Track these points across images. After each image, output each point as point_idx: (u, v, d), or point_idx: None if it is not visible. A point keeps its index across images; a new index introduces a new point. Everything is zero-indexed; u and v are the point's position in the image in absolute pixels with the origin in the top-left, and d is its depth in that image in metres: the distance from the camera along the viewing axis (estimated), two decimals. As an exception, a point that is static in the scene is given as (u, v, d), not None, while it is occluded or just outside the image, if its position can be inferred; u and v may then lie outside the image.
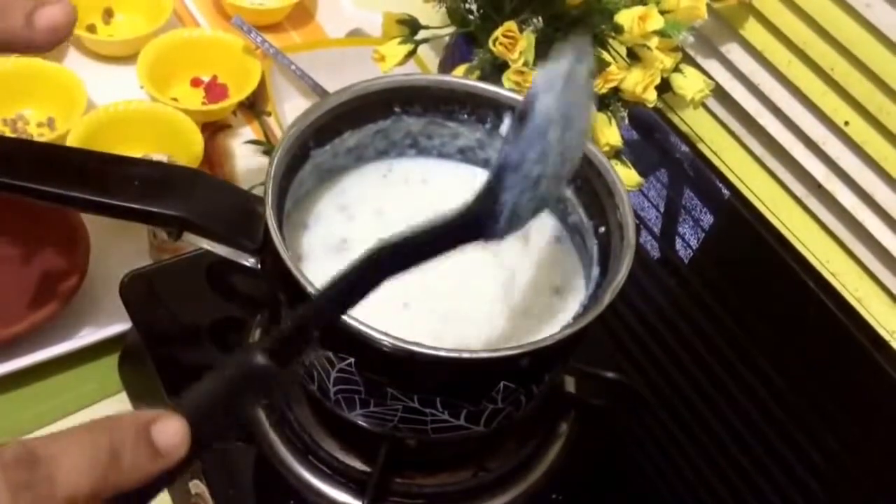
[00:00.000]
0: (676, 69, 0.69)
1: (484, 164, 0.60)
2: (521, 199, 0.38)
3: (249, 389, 0.35)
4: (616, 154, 0.71)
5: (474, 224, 0.38)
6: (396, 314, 0.51)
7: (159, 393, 0.61)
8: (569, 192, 0.56)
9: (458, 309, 0.52)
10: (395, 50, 0.72)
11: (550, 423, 0.62)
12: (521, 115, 0.37)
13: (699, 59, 0.74)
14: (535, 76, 0.38)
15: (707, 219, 0.75)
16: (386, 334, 0.43)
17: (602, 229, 0.54)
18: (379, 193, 0.58)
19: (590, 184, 0.55)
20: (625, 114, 0.71)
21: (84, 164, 0.53)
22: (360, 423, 0.51)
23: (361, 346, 0.44)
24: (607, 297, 0.48)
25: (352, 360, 0.46)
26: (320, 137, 0.54)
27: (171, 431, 0.30)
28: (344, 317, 0.42)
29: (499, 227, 0.38)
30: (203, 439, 0.31)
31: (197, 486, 0.58)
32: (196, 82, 0.95)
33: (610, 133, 0.69)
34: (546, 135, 0.37)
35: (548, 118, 0.36)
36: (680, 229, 0.77)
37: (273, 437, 0.57)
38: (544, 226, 0.58)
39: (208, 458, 0.58)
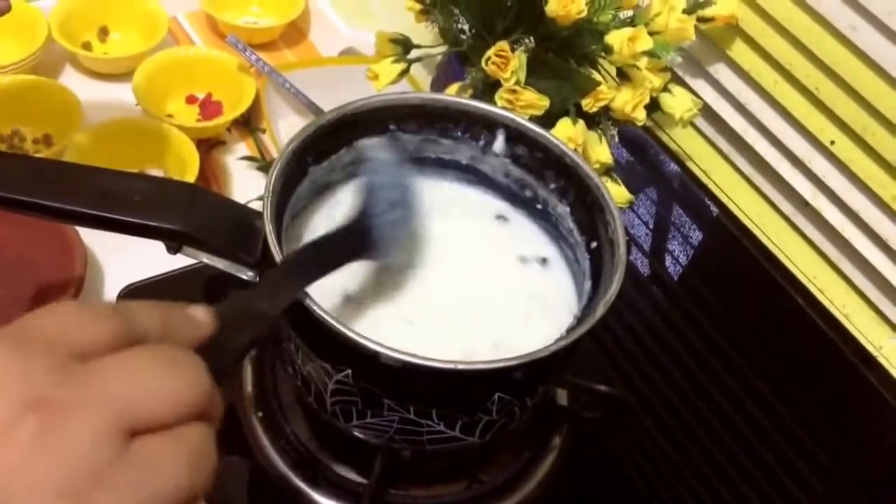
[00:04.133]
0: (665, 89, 0.70)
1: (476, 179, 0.61)
2: (383, 220, 0.49)
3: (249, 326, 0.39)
4: (607, 171, 0.72)
5: (359, 231, 0.48)
6: (402, 330, 0.52)
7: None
8: (561, 208, 0.57)
9: (458, 324, 0.53)
10: (389, 68, 0.73)
11: (543, 435, 0.62)
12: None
13: (687, 79, 0.76)
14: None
15: (696, 235, 0.76)
16: (382, 345, 0.44)
17: (594, 245, 0.55)
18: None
19: (582, 200, 0.56)
20: (615, 132, 0.72)
21: (82, 179, 0.54)
22: (356, 434, 0.52)
23: (359, 357, 0.44)
24: (599, 311, 0.48)
25: (349, 371, 0.47)
26: (318, 154, 0.55)
27: (201, 309, 0.35)
28: (342, 328, 0.43)
29: (373, 244, 0.49)
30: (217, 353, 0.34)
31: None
32: (191, 99, 0.95)
33: (600, 151, 0.70)
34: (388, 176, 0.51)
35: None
36: (669, 246, 0.78)
37: (269, 448, 0.58)
38: (538, 240, 0.59)
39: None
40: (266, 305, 0.40)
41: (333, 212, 0.58)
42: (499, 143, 0.59)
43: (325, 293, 0.49)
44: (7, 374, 0.27)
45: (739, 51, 0.71)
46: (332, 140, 0.55)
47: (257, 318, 0.39)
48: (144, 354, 0.29)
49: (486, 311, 0.55)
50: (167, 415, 0.28)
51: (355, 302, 0.52)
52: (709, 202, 0.74)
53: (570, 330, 0.51)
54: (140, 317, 0.31)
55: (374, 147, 0.56)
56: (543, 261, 0.58)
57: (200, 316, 0.34)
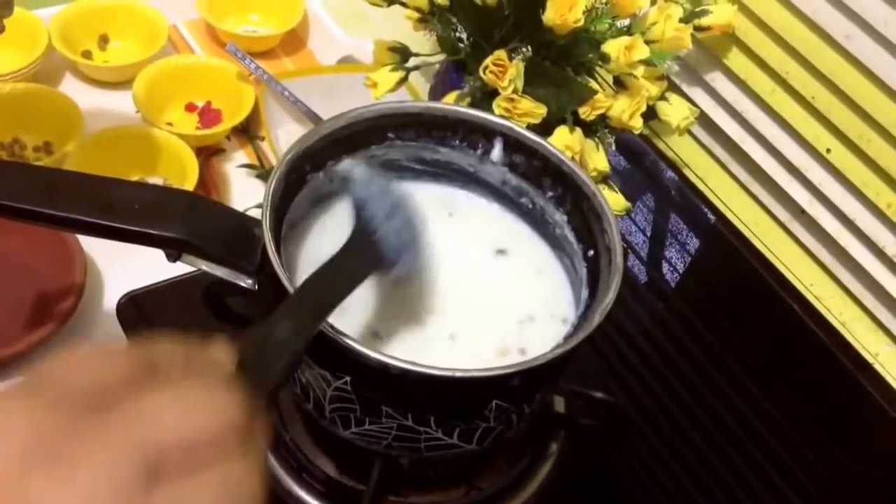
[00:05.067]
0: (662, 97, 0.71)
1: (475, 187, 0.61)
2: (386, 229, 0.48)
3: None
4: (604, 179, 0.72)
5: (364, 246, 0.47)
6: (402, 339, 0.52)
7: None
8: (559, 216, 0.58)
9: (456, 331, 0.54)
10: (387, 77, 0.74)
11: (541, 442, 0.63)
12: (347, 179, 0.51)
13: (684, 87, 0.76)
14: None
15: (693, 243, 0.76)
16: (381, 353, 0.44)
17: (591, 252, 0.55)
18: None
19: (579, 208, 0.56)
20: (612, 140, 0.73)
21: (82, 188, 0.54)
22: (354, 441, 0.52)
23: (357, 364, 0.45)
24: (596, 319, 0.49)
25: (348, 378, 0.47)
26: (316, 162, 0.55)
27: (222, 346, 0.33)
28: (341, 337, 0.44)
29: (383, 256, 0.48)
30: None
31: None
32: (190, 107, 0.96)
33: (598, 159, 0.71)
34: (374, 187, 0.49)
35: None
36: (666, 253, 0.78)
37: (268, 456, 0.58)
38: (537, 248, 0.60)
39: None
40: (290, 336, 0.38)
41: (332, 221, 0.58)
42: (496, 152, 0.59)
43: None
44: (14, 429, 0.25)
45: (736, 59, 0.71)
46: (330, 149, 0.56)
47: (283, 350, 0.37)
48: (166, 391, 0.28)
49: (483, 318, 0.55)
50: (195, 450, 0.27)
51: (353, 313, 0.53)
52: (706, 210, 0.75)
53: (568, 337, 0.51)
54: (160, 354, 0.30)
55: (351, 165, 0.54)
56: (540, 269, 0.59)
57: (221, 355, 0.33)
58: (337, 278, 0.44)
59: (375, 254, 0.47)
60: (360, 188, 0.48)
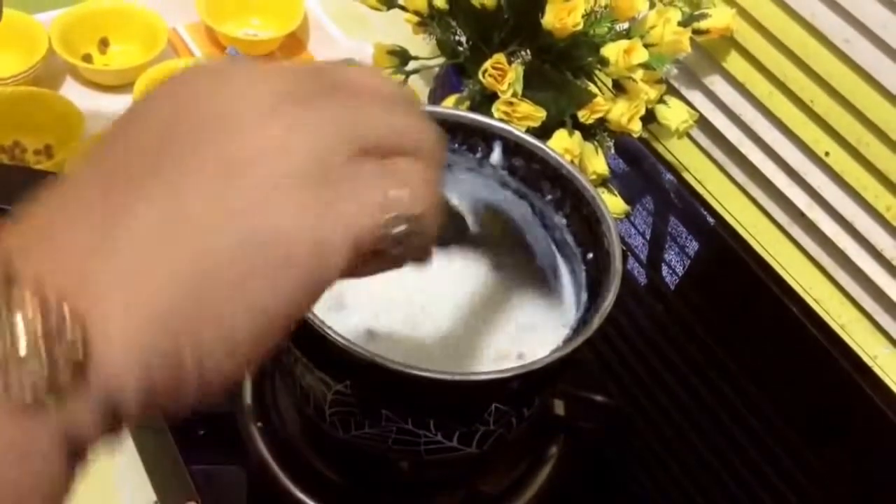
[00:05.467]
0: (661, 100, 0.71)
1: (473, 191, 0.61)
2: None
3: None
4: (603, 182, 0.72)
5: None
6: (403, 341, 0.52)
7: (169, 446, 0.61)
8: (558, 220, 0.58)
9: (454, 335, 0.54)
10: (387, 80, 0.74)
11: (540, 445, 0.63)
12: None
13: (683, 91, 0.76)
14: None
15: (692, 246, 0.76)
16: (381, 357, 0.44)
17: (590, 256, 0.55)
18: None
19: (578, 211, 0.56)
20: (611, 143, 0.73)
21: None
22: (354, 445, 0.52)
23: (357, 368, 0.45)
24: (596, 322, 0.49)
25: (348, 381, 0.47)
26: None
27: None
28: (341, 340, 0.44)
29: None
30: None
31: (191, 509, 0.59)
32: (190, 111, 0.96)
33: (597, 162, 0.71)
34: None
35: None
36: (666, 256, 0.78)
37: (267, 458, 0.58)
38: (534, 252, 0.60)
39: (201, 480, 0.59)
40: None
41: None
42: (496, 155, 0.59)
43: (323, 306, 0.49)
44: (271, 71, 0.28)
45: (735, 63, 0.71)
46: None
47: None
48: (391, 88, 0.31)
49: (483, 322, 0.55)
50: (402, 142, 0.29)
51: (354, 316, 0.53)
52: (705, 213, 0.75)
53: (567, 341, 0.51)
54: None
55: None
56: (543, 271, 0.59)
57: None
58: None
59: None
60: None
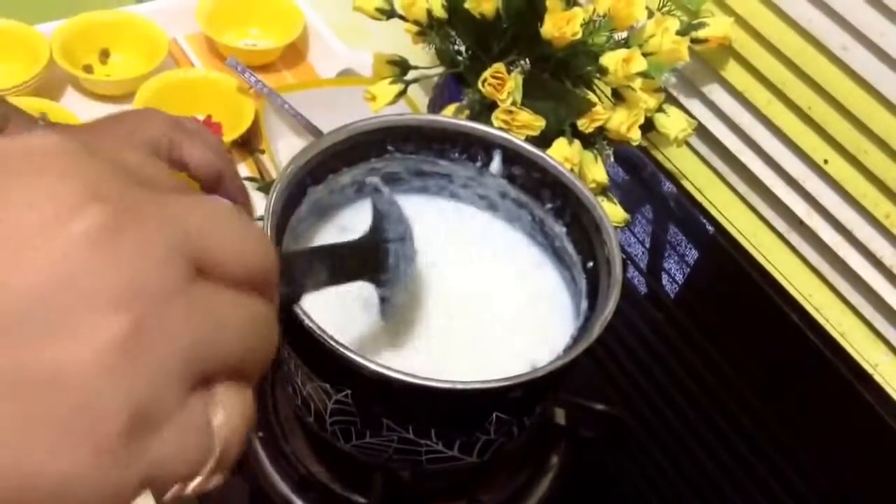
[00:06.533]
0: (660, 109, 0.71)
1: (473, 201, 0.61)
2: (395, 248, 0.49)
3: None
4: (602, 191, 0.72)
5: (369, 252, 0.48)
6: (406, 351, 0.52)
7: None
8: (559, 228, 0.58)
9: (456, 345, 0.54)
10: (386, 90, 0.74)
11: (541, 454, 0.63)
12: (376, 189, 0.52)
13: (682, 99, 0.76)
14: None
15: (692, 254, 0.76)
16: (382, 366, 0.44)
17: (590, 264, 0.55)
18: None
19: (578, 220, 0.56)
20: (610, 152, 0.73)
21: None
22: (355, 454, 0.52)
23: (357, 377, 0.45)
24: (596, 331, 0.49)
25: (348, 391, 0.47)
26: (317, 175, 0.55)
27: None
28: (341, 349, 0.44)
29: (384, 267, 0.49)
30: None
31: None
32: (191, 121, 0.96)
33: (596, 170, 0.71)
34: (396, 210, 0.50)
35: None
36: (665, 264, 0.78)
37: (269, 469, 0.58)
38: (535, 260, 0.60)
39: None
40: (284, 289, 0.35)
41: (332, 233, 0.58)
42: (496, 164, 0.59)
43: (323, 312, 0.49)
44: (73, 162, 0.22)
45: (733, 71, 0.72)
46: (330, 162, 0.56)
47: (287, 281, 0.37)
48: (221, 203, 0.25)
49: (484, 331, 0.55)
50: (236, 267, 0.24)
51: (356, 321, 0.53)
52: (704, 221, 0.75)
53: (567, 349, 0.51)
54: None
55: (380, 182, 0.55)
56: (540, 281, 0.59)
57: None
58: (337, 262, 0.44)
59: (378, 259, 0.48)
60: (385, 203, 0.50)
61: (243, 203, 0.66)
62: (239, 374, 0.24)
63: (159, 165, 0.26)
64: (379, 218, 0.49)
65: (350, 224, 0.58)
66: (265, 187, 0.91)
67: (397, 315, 0.52)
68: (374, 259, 0.48)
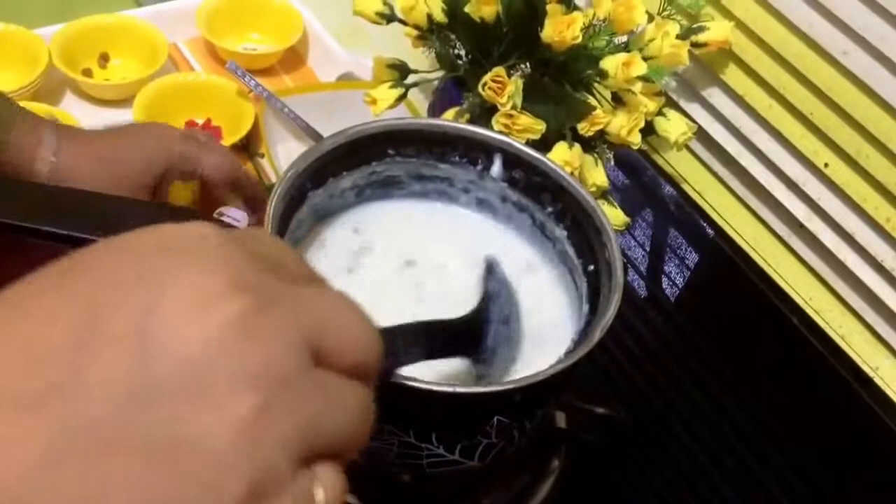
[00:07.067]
0: (660, 113, 0.71)
1: (474, 204, 0.61)
2: (497, 329, 0.48)
3: None
4: (603, 194, 0.72)
5: (468, 331, 0.47)
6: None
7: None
8: (559, 232, 0.58)
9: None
10: (386, 93, 0.74)
11: (543, 458, 0.63)
12: (490, 268, 0.50)
13: (682, 103, 0.76)
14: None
15: (692, 257, 0.76)
16: (383, 370, 0.44)
17: (591, 268, 0.55)
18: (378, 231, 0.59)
19: (579, 223, 0.56)
20: (610, 155, 0.73)
21: (86, 205, 0.54)
22: (355, 458, 0.52)
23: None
24: (597, 334, 0.49)
25: (349, 395, 0.47)
26: (317, 179, 0.55)
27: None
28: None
29: (482, 347, 0.48)
30: None
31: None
32: (191, 125, 0.96)
33: (597, 174, 0.71)
34: (505, 291, 0.50)
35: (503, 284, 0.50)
36: (666, 268, 0.78)
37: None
38: (535, 263, 0.60)
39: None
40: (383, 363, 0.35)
41: (332, 237, 0.58)
42: (496, 168, 0.59)
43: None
44: (220, 255, 0.26)
45: (733, 75, 0.72)
46: (330, 165, 0.56)
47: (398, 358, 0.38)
48: (341, 296, 0.29)
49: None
50: (348, 356, 0.27)
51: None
52: (704, 224, 0.75)
53: (568, 353, 0.51)
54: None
55: (493, 257, 0.52)
56: (541, 285, 0.59)
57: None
58: (437, 341, 0.43)
59: (475, 340, 0.47)
60: (496, 283, 0.49)
61: (263, 200, 0.68)
62: (339, 454, 0.27)
63: (290, 254, 0.29)
64: (486, 298, 0.48)
65: (361, 227, 0.58)
66: (265, 191, 0.91)
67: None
68: (471, 338, 0.47)
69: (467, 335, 0.47)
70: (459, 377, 0.49)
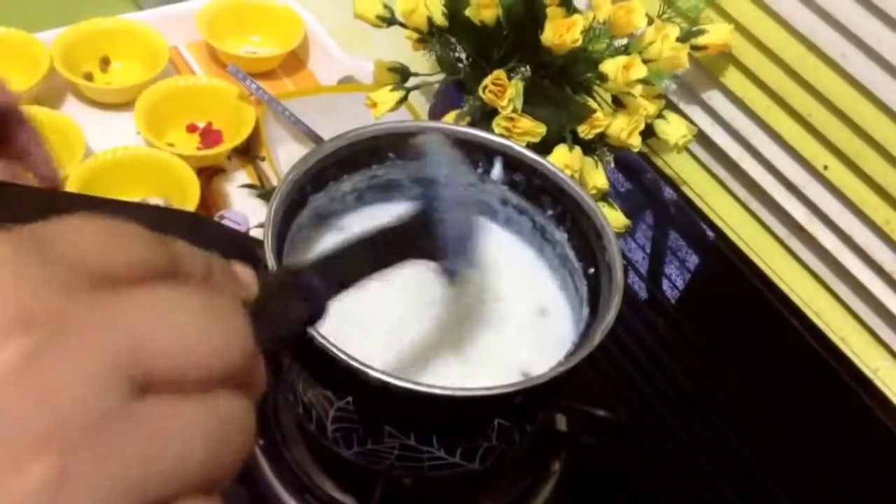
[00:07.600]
0: (660, 115, 0.71)
1: (475, 206, 0.61)
2: (452, 218, 0.43)
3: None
4: (603, 197, 0.72)
5: (418, 228, 0.42)
6: (409, 356, 0.52)
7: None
8: (559, 235, 0.58)
9: (457, 352, 0.54)
10: (387, 96, 0.74)
11: (543, 461, 0.63)
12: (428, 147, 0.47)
13: (682, 106, 0.76)
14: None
15: (692, 260, 0.76)
16: (384, 373, 0.44)
17: (591, 270, 0.55)
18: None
19: (579, 226, 0.56)
20: (611, 158, 0.73)
21: (84, 209, 0.54)
22: (357, 461, 0.52)
23: (359, 384, 0.45)
24: (597, 337, 0.49)
25: (350, 398, 0.47)
26: (317, 182, 0.55)
27: (246, 269, 0.29)
28: (342, 356, 0.44)
29: (438, 242, 0.43)
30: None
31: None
32: (192, 128, 0.96)
33: (597, 177, 0.71)
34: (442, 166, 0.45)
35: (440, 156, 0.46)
36: (666, 270, 0.79)
37: (270, 476, 0.58)
38: (536, 266, 0.60)
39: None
40: (317, 283, 0.32)
41: (335, 240, 0.58)
42: (496, 171, 0.59)
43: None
44: (8, 274, 0.21)
45: (733, 78, 0.72)
46: (331, 169, 0.56)
47: (308, 294, 0.32)
48: (179, 291, 0.23)
49: (487, 337, 0.55)
50: (194, 369, 0.22)
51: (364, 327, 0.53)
52: (705, 227, 0.75)
53: (569, 356, 0.51)
54: (184, 256, 0.25)
55: (430, 138, 0.49)
56: (541, 287, 0.59)
57: (245, 274, 0.28)
58: (384, 249, 0.39)
59: (433, 235, 0.43)
60: (441, 165, 0.45)
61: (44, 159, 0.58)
62: (207, 483, 0.22)
63: (122, 243, 0.23)
64: (435, 185, 0.43)
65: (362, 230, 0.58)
66: (266, 194, 0.91)
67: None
68: (424, 236, 0.42)
69: (419, 233, 0.42)
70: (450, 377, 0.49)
